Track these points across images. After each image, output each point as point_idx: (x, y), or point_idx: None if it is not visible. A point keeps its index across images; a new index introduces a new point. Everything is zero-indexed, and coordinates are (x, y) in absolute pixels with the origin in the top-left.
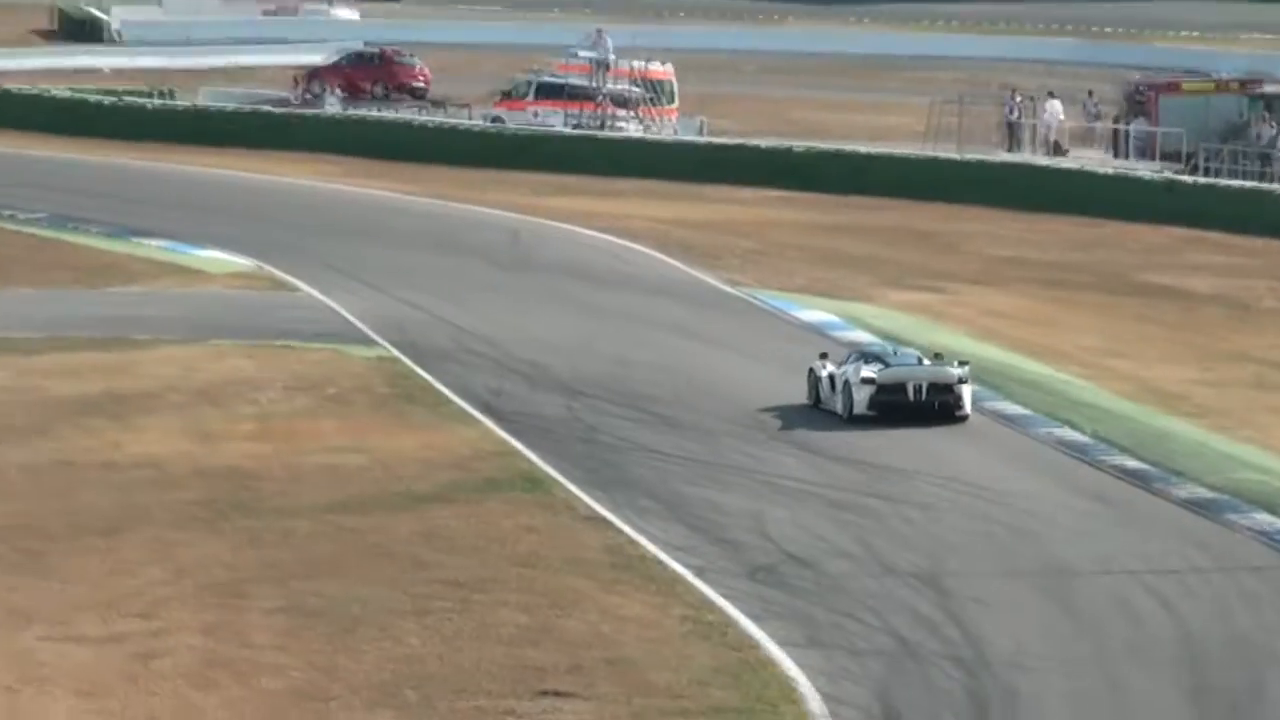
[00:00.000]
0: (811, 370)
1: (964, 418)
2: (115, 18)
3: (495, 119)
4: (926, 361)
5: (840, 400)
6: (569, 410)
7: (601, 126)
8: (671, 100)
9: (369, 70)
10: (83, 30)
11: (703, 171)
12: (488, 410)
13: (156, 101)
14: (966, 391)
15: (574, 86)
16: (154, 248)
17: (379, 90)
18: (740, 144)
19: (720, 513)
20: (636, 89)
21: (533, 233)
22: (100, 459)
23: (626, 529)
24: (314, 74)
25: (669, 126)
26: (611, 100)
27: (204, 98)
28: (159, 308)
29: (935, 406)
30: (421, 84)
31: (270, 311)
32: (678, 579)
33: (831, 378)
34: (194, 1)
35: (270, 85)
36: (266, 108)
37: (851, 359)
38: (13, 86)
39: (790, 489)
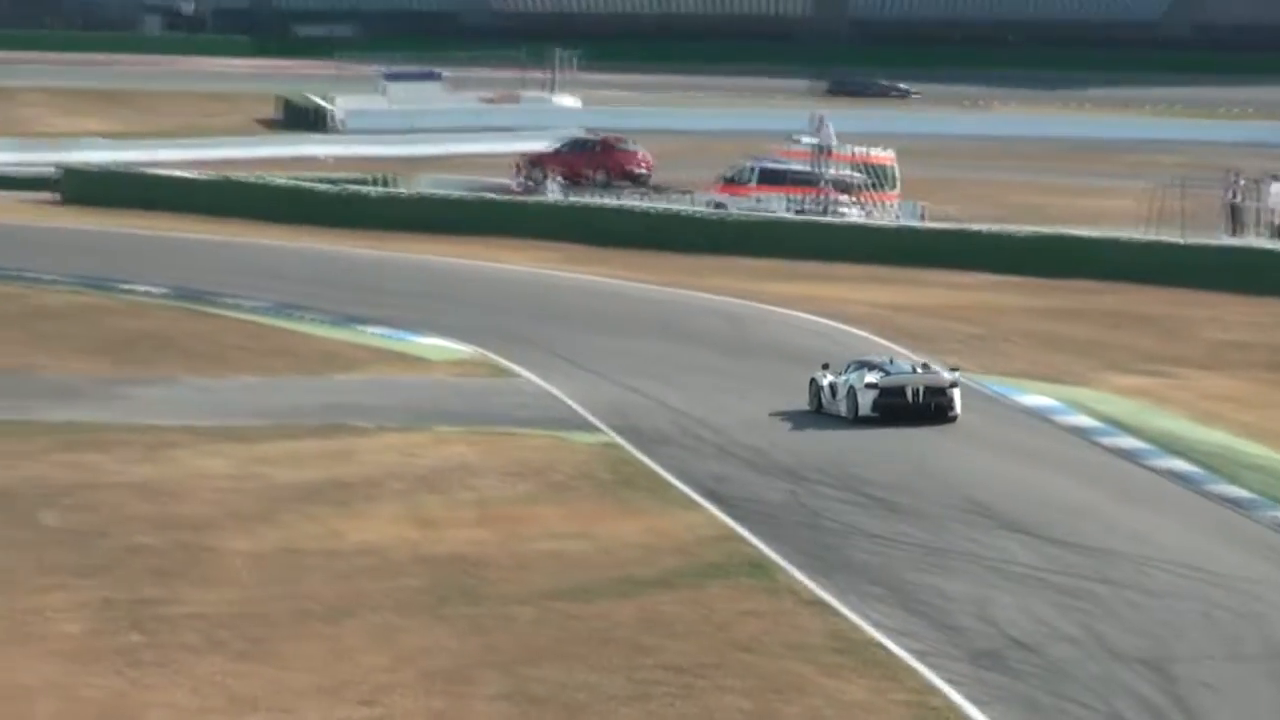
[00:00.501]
0: (813, 380)
1: (954, 418)
2: (339, 107)
3: (717, 205)
4: (919, 369)
5: (845, 404)
6: (791, 495)
7: (823, 211)
8: (893, 185)
9: (590, 157)
10: (306, 119)
11: (924, 256)
12: (710, 495)
13: (378, 189)
14: (957, 394)
15: (796, 172)
16: (375, 335)
17: (600, 177)
18: (961, 228)
19: (943, 598)
20: (858, 174)
21: (754, 318)
22: (323, 546)
23: (849, 614)
24: (535, 161)
25: (890, 211)
26: (833, 185)
27: (425, 185)
28: (380, 395)
29: (931, 408)
30: (643, 170)
31: (491, 398)
32: (900, 664)
33: (832, 386)
34: (416, 90)
35: (491, 172)
36: (488, 195)
37: (851, 368)
38: (237, 175)
39: (1014, 574)
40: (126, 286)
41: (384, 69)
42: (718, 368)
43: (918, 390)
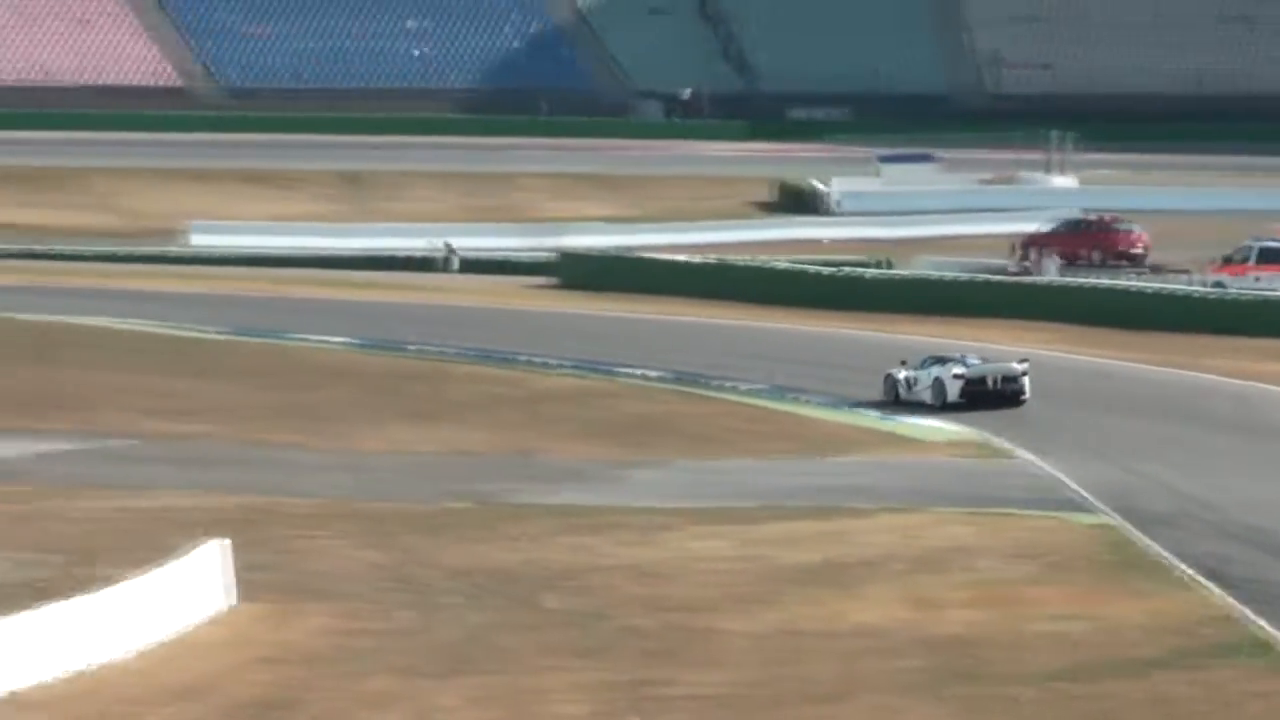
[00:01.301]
0: (889, 375)
1: (1024, 401)
2: (834, 189)
3: (1216, 284)
4: (982, 361)
5: (931, 393)
6: None
7: None
8: None
9: (1086, 237)
10: (801, 202)
11: None
12: (1212, 575)
13: (875, 271)
14: (1026, 382)
15: None
16: (872, 417)
17: (1096, 257)
18: None
19: None
20: None
21: (1261, 399)
22: (822, 627)
23: None
24: (1031, 241)
25: None
26: None
27: (921, 266)
28: (876, 476)
29: (1008, 393)
30: (1140, 250)
31: (990, 479)
32: None
33: (908, 379)
34: (912, 171)
35: (988, 254)
36: (985, 276)
37: (928, 363)
38: (733, 258)
39: None
40: (624, 370)
41: (878, 151)
42: (1222, 449)
43: (997, 378)
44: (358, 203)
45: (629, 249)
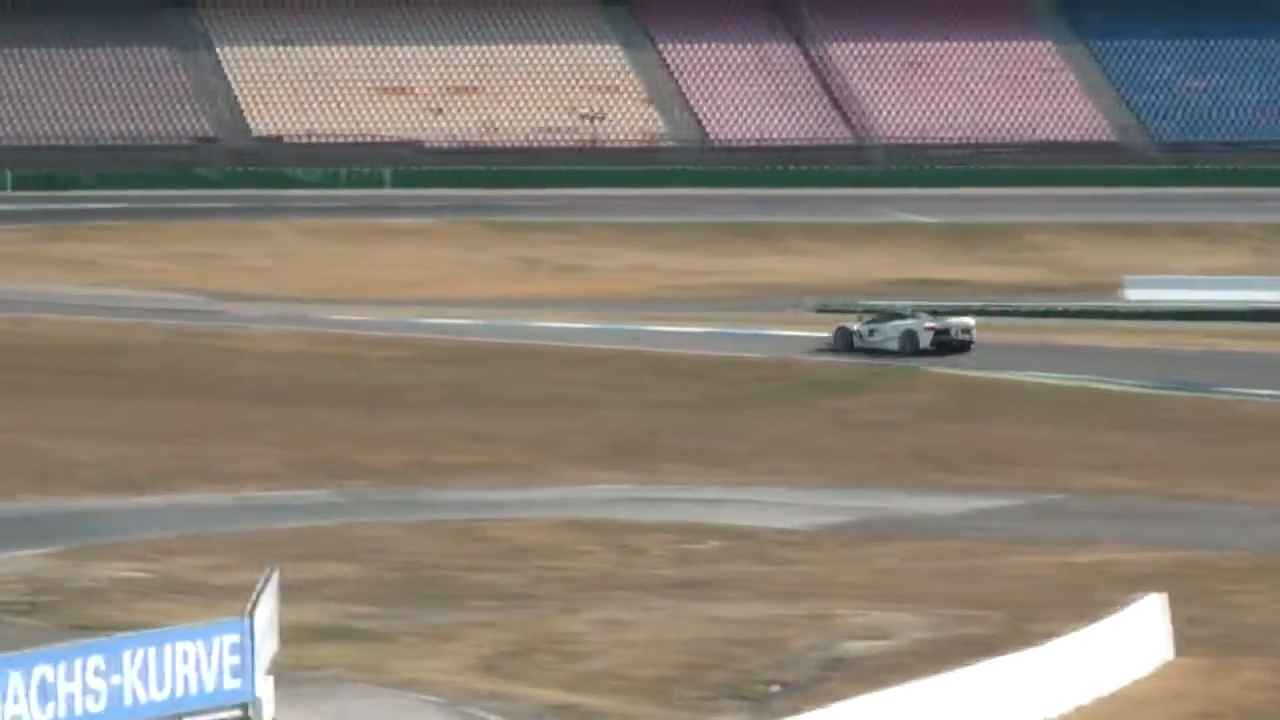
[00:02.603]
0: (843, 327)
1: (972, 348)
2: None
3: None
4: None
5: (900, 342)
6: None
7: None
8: None
9: None
10: None
11: None
12: None
13: None
14: (974, 332)
15: None
16: None
17: None
18: None
19: None
20: None
21: None
22: None
23: None
24: None
25: None
26: None
27: None
28: None
29: (963, 343)
30: None
31: None
32: None
33: (861, 331)
34: None
35: None
36: None
37: (880, 319)
38: None
39: None
40: None
41: None
42: None
43: (957, 330)
44: None
45: None
